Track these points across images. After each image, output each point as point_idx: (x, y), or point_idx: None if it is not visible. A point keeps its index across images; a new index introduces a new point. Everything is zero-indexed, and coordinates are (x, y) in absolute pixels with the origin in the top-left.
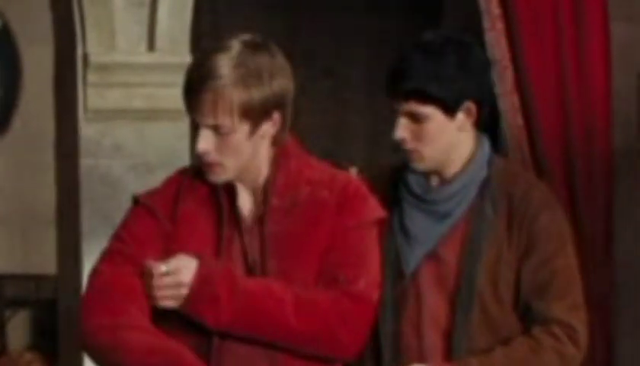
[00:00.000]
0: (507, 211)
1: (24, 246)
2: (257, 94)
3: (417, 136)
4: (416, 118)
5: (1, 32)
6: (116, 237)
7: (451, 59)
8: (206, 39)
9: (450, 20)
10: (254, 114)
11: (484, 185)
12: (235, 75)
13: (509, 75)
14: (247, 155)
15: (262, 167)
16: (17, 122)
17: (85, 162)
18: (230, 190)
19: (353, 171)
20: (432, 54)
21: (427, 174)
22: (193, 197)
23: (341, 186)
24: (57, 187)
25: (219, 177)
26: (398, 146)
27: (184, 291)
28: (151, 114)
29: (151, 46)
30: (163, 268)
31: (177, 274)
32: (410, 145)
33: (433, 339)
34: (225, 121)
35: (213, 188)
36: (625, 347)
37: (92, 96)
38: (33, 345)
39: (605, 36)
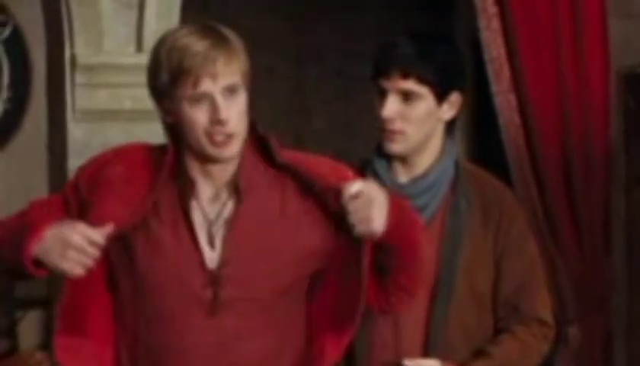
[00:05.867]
0: (482, 208)
1: None
2: None
3: (404, 117)
4: (408, 98)
5: (12, 34)
6: None
7: (445, 49)
8: None
9: (462, 18)
10: None
11: (455, 182)
12: None
13: (505, 73)
14: None
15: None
16: (28, 123)
17: (74, 163)
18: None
19: None
20: (429, 41)
21: (394, 171)
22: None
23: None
24: (49, 188)
25: None
26: (382, 127)
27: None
28: (139, 115)
29: (139, 47)
30: (355, 187)
31: (368, 193)
32: (397, 124)
33: (411, 334)
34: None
35: (179, 190)
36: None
37: (80, 97)
38: (44, 345)
39: (603, 33)
